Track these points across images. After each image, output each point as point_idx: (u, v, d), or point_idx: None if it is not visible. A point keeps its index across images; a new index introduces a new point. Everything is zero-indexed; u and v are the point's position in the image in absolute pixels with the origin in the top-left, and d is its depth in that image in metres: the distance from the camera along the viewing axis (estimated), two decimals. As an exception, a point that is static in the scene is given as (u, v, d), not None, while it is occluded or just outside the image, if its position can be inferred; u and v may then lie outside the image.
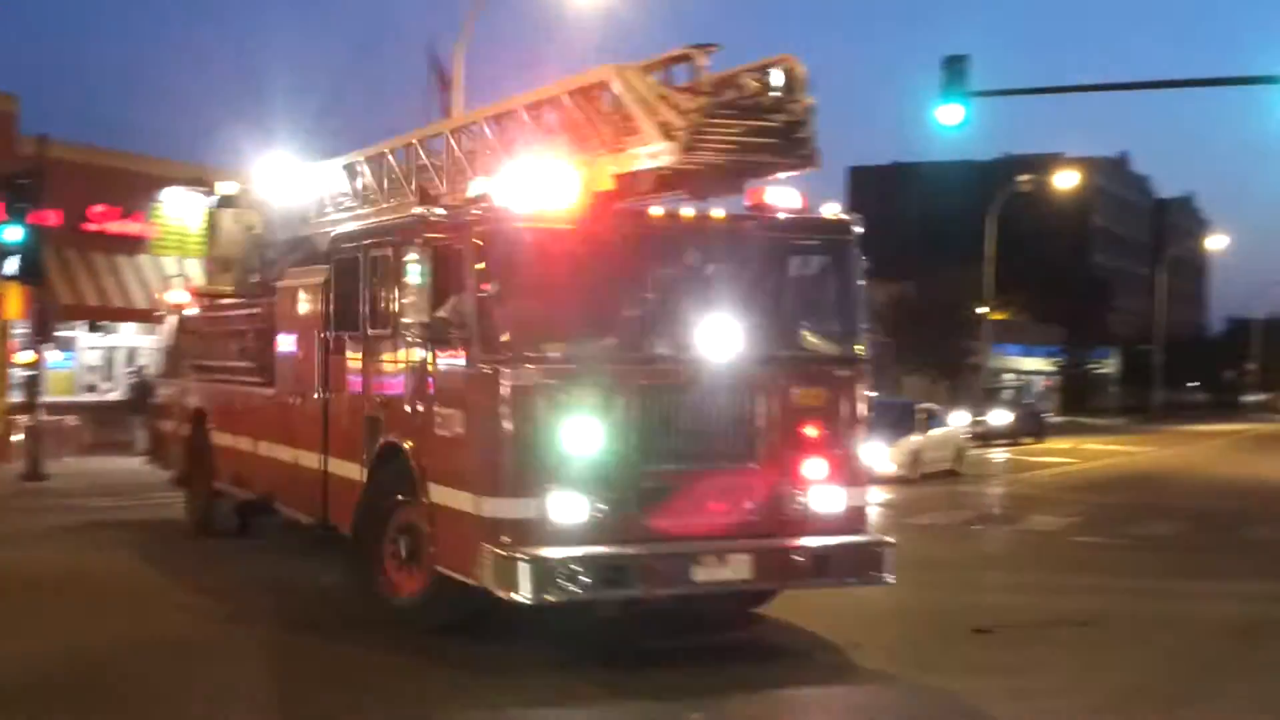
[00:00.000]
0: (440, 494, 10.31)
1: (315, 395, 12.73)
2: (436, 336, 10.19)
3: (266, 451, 14.12)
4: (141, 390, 24.58)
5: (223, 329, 16.09)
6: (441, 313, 10.08)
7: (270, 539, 15.61)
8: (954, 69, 22.75)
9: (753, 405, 10.17)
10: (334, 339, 12.31)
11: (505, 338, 9.69)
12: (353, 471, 11.88)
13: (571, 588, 9.42)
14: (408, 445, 10.74)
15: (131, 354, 30.70)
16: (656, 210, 10.49)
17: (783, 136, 9.95)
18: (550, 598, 9.48)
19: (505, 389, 9.66)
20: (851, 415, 10.54)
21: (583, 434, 9.69)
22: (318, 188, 16.01)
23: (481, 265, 9.82)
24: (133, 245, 29.87)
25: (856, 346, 10.71)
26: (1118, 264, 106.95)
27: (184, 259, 29.08)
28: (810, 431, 10.30)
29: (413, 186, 13.41)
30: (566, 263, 9.94)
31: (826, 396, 10.42)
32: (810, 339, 10.63)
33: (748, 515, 10.12)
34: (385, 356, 11.24)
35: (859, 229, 10.70)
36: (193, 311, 17.60)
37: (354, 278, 11.78)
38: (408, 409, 10.74)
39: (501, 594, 9.57)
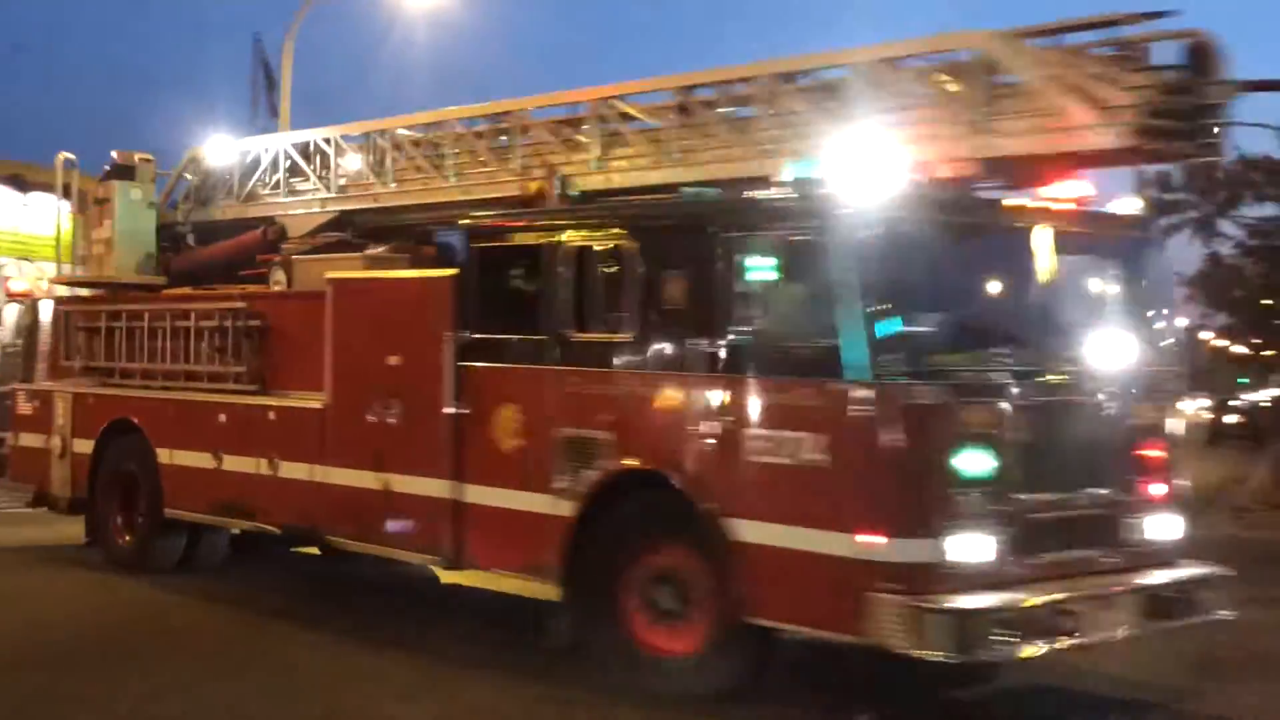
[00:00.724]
0: (761, 532, 8.68)
1: (441, 410, 10.63)
2: (776, 346, 8.58)
3: (308, 475, 11.78)
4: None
5: (165, 325, 13.46)
6: (768, 316, 8.46)
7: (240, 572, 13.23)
8: None
9: (1120, 424, 9.12)
10: (486, 344, 10.35)
11: (891, 349, 8.24)
12: (528, 503, 9.99)
13: (999, 641, 8.10)
14: (680, 474, 9.04)
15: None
16: (1017, 201, 9.18)
17: (1189, 120, 8.88)
18: (974, 655, 8.13)
19: (902, 410, 8.21)
20: (1179, 432, 9.68)
21: (979, 460, 8.36)
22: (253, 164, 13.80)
23: (859, 262, 8.30)
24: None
25: (1172, 355, 9.85)
26: None
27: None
28: (1155, 452, 9.36)
29: (516, 165, 11.61)
30: (939, 260, 8.58)
31: (1164, 412, 9.51)
32: (1137, 347, 9.64)
33: (1119, 549, 9.07)
34: (628, 366, 9.43)
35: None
36: (75, 303, 14.81)
37: (546, 271, 9.89)
38: (691, 431, 9.00)
39: (904, 650, 8.12)
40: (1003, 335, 8.92)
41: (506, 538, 10.25)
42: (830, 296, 8.33)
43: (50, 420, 14.59)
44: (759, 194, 8.87)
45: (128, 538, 13.85)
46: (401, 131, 12.92)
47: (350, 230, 13.26)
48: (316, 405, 11.74)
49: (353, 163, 13.26)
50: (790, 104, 9.84)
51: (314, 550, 13.26)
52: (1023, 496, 8.53)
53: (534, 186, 11.08)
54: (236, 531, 13.48)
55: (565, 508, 9.73)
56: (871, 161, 8.51)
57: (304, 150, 13.84)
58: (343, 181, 13.35)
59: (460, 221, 10.76)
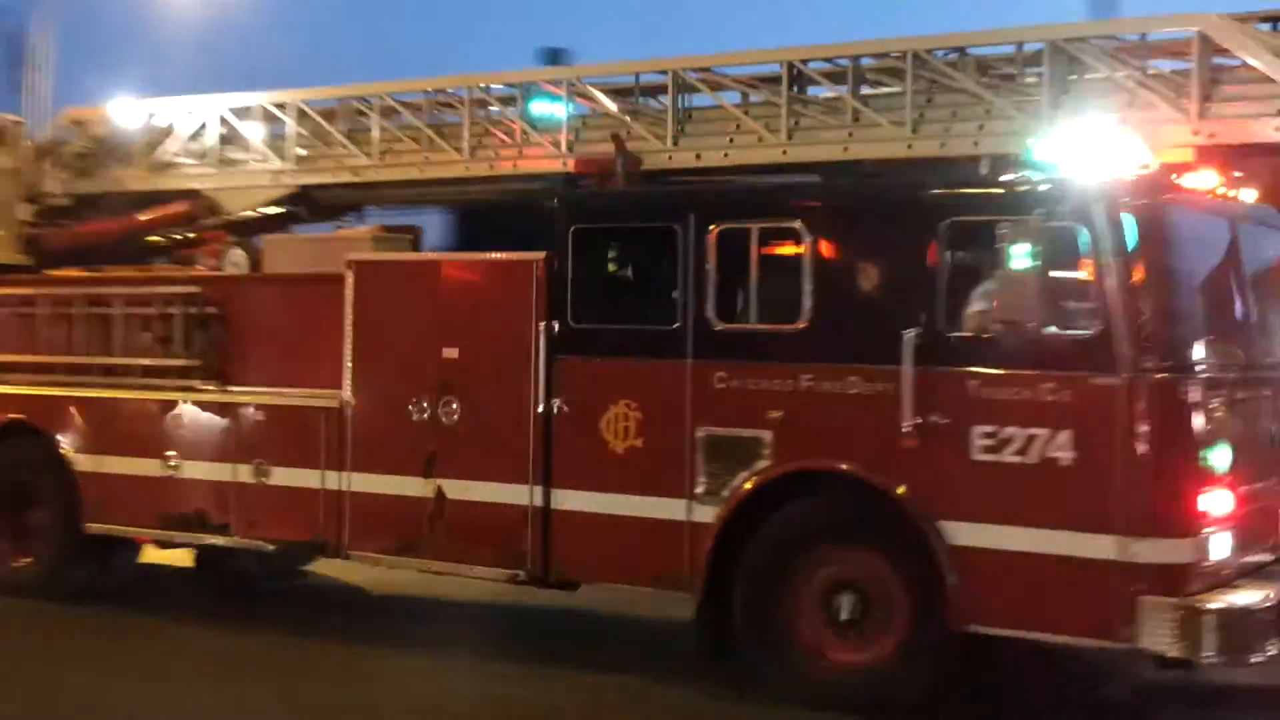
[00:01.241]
0: (988, 535, 8.11)
1: (526, 408, 9.55)
2: (1017, 338, 8.03)
3: (318, 483, 10.38)
4: None
5: (78, 312, 11.64)
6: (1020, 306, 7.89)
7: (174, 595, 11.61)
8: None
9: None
10: (589, 335, 9.36)
11: (1158, 342, 7.87)
12: (651, 509, 9.11)
13: (1263, 643, 7.87)
14: (882, 475, 8.37)
15: None
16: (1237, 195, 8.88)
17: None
18: (1244, 657, 7.87)
19: (1176, 404, 7.86)
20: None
21: (1224, 455, 8.10)
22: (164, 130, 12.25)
23: (1134, 253, 7.88)
24: None
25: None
26: None
27: None
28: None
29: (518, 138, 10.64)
30: (1193, 251, 8.25)
31: None
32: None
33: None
34: (802, 359, 8.66)
35: None
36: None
37: (683, 256, 8.99)
38: (900, 430, 8.31)
39: (1175, 654, 7.78)
40: (1237, 327, 8.69)
41: (618, 547, 9.30)
42: (1097, 287, 7.88)
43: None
44: (1007, 179, 8.26)
45: (24, 560, 11.88)
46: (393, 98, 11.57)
47: (306, 207, 11.85)
48: (329, 403, 10.37)
49: (318, 132, 11.80)
50: (955, 82, 9.26)
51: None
52: (1245, 490, 8.34)
53: (593, 163, 10.07)
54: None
55: (707, 513, 8.90)
56: (1103, 147, 8.13)
57: (244, 117, 12.24)
58: (303, 152, 11.86)
59: (556, 196, 9.68)
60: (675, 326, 9.05)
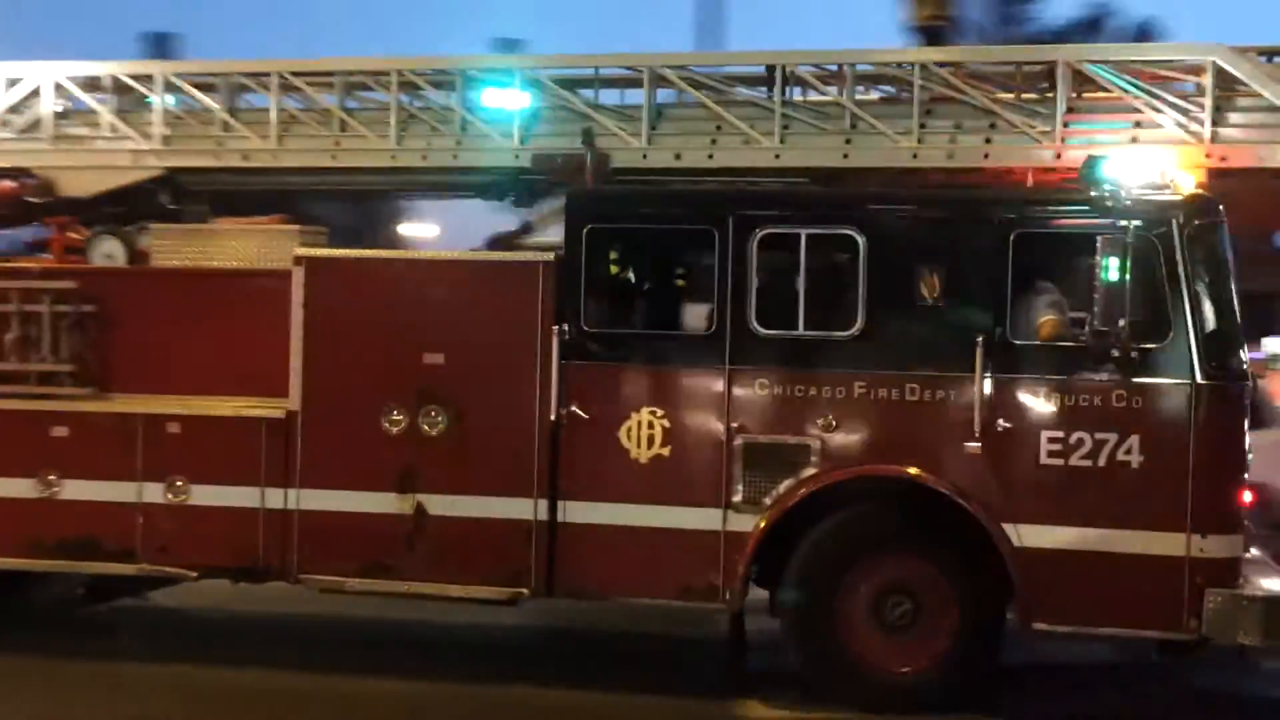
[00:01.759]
0: (1052, 536, 8.44)
1: (533, 417, 9.02)
2: (1082, 346, 8.39)
3: (257, 502, 9.39)
4: None
5: None
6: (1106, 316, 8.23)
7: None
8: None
9: None
10: (604, 339, 8.97)
11: (1218, 349, 8.44)
12: (680, 519, 8.87)
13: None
14: (945, 480, 8.52)
15: None
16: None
17: None
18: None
19: (1236, 408, 8.47)
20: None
21: (1249, 455, 8.81)
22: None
23: (1198, 263, 8.39)
24: None
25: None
26: None
27: None
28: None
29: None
30: (1229, 261, 8.81)
31: None
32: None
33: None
34: (853, 366, 8.65)
35: None
36: None
37: (720, 260, 8.77)
38: (961, 436, 8.47)
39: (1239, 642, 8.39)
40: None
41: (639, 560, 8.96)
42: (1161, 296, 8.34)
43: None
44: (1081, 194, 8.55)
45: None
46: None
47: (169, 194, 10.64)
48: (272, 413, 9.39)
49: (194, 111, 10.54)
50: (963, 95, 9.44)
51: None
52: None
53: (565, 161, 9.63)
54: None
55: (746, 522, 8.76)
56: (1147, 163, 8.65)
57: (92, 87, 10.76)
58: (167, 132, 10.56)
59: (570, 194, 9.16)
60: (710, 332, 8.83)
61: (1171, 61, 9.40)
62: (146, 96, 10.58)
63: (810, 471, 8.69)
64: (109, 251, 10.06)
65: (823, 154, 9.58)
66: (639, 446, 8.90)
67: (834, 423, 8.67)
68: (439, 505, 9.16)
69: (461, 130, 10.11)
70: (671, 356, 8.94)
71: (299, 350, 9.34)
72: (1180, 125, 9.07)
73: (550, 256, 9.03)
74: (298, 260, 9.38)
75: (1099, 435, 8.40)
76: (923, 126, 9.43)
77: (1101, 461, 8.40)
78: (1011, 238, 8.49)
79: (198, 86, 10.59)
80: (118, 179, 10.59)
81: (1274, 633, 8.36)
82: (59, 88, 10.66)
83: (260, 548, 9.41)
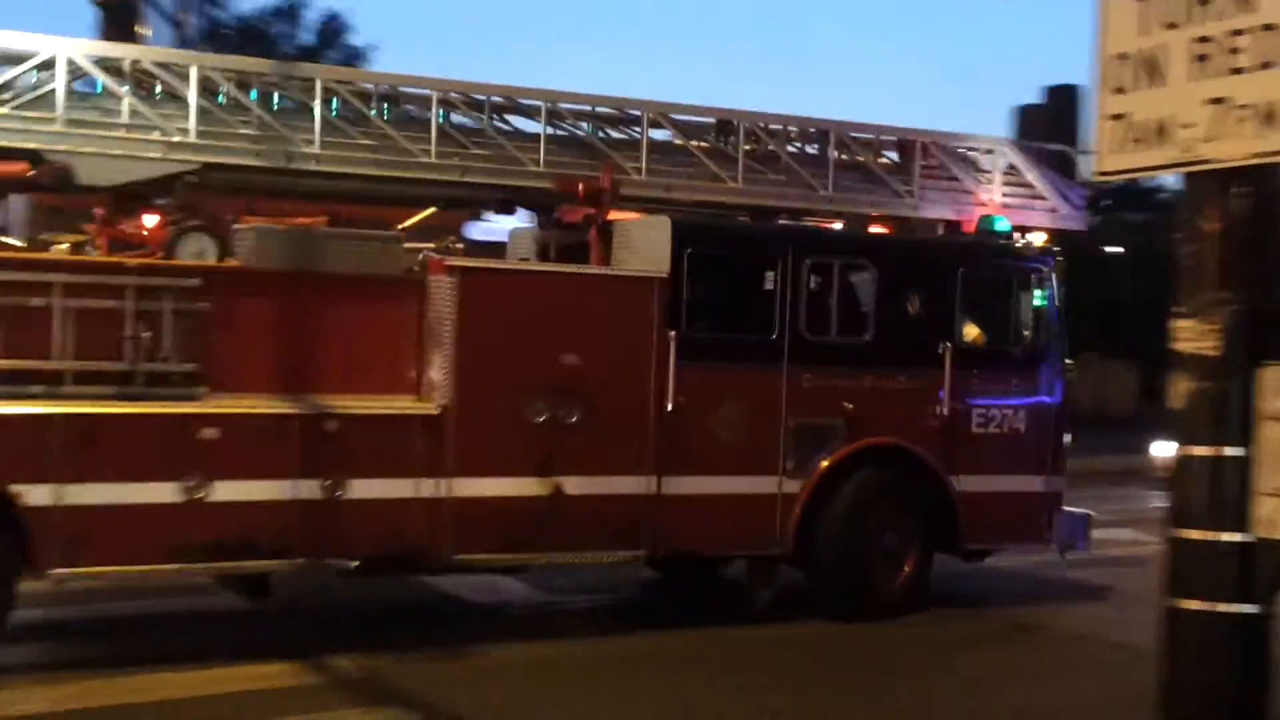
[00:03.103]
0: (980, 483, 12.05)
1: (650, 408, 10.81)
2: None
3: (412, 492, 10.09)
4: None
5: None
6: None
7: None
8: None
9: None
10: (703, 344, 11.00)
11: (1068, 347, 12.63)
12: (753, 487, 11.27)
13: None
14: (920, 446, 11.79)
15: None
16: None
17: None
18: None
19: (1072, 385, 12.68)
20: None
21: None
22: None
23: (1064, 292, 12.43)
24: None
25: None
26: None
27: None
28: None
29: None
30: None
31: None
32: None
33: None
34: (875, 365, 11.58)
35: None
36: None
37: (784, 282, 11.24)
38: (929, 413, 11.80)
39: (1063, 547, 12.56)
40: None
41: (722, 521, 11.13)
42: (1043, 312, 12.32)
43: None
44: (1003, 242, 12.17)
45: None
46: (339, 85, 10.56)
47: (182, 193, 10.51)
48: (428, 410, 10.16)
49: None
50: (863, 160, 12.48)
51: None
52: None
53: (588, 185, 11.32)
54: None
55: (794, 485, 11.39)
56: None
57: (112, 71, 9.95)
58: (200, 128, 10.22)
59: (675, 223, 10.92)
60: (774, 338, 11.28)
61: (974, 146, 13.34)
62: (155, 89, 10.34)
63: (835, 444, 11.49)
64: (200, 249, 9.89)
65: (772, 196, 12.25)
66: (724, 430, 11.09)
67: (850, 407, 11.55)
68: (573, 485, 10.56)
69: (491, 149, 11.30)
70: (748, 357, 11.20)
71: (451, 351, 10.17)
72: (987, 193, 13.10)
73: (665, 273, 10.85)
74: (450, 269, 10.20)
75: (1004, 410, 12.21)
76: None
77: (1006, 428, 12.23)
78: (960, 272, 11.99)
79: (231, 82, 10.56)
80: (146, 171, 10.23)
81: (1084, 539, 12.69)
82: (75, 66, 10.01)
83: (415, 534, 10.10)
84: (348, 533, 9.92)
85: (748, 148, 12.19)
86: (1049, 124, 36.75)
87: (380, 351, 10.19)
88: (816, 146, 12.76)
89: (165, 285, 9.54)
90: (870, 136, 12.98)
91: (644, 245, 11.06)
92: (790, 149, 12.63)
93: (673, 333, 10.81)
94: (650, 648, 10.73)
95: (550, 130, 11.51)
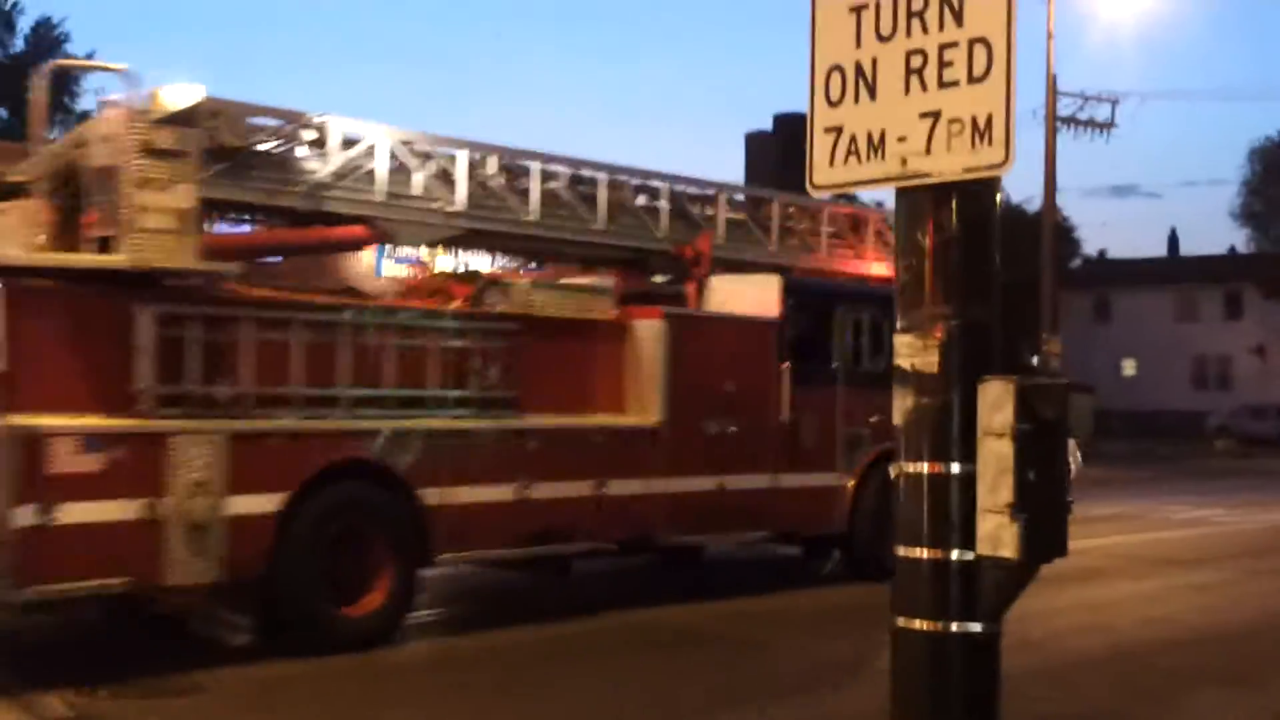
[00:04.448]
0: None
1: (772, 422, 14.19)
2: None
3: (642, 489, 13.04)
4: None
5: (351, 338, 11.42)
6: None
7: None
8: None
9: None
10: (797, 371, 14.43)
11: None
12: (824, 480, 14.85)
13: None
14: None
15: None
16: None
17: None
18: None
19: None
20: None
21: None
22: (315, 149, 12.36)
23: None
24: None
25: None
26: None
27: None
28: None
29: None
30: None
31: None
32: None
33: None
34: (863, 388, 15.23)
35: None
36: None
37: (838, 324, 14.88)
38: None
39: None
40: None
41: (808, 506, 14.63)
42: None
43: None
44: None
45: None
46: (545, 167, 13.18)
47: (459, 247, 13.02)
48: (650, 423, 13.12)
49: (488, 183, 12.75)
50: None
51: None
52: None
53: (695, 249, 14.64)
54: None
55: (847, 480, 15.08)
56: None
57: (412, 154, 12.20)
58: (465, 199, 12.68)
59: (783, 281, 14.29)
60: (836, 367, 14.91)
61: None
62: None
63: (867, 448, 15.23)
64: (492, 299, 12.40)
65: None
66: (809, 437, 14.61)
67: (874, 420, 15.32)
68: (731, 483, 13.77)
69: (632, 219, 14.37)
70: (822, 381, 14.73)
71: (666, 378, 13.16)
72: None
73: (779, 316, 14.24)
74: (663, 315, 13.21)
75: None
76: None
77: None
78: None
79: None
80: (430, 234, 12.64)
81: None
82: (392, 152, 12.30)
83: (649, 521, 13.04)
84: (610, 522, 12.72)
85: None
86: (781, 152, 43.45)
87: (598, 378, 12.99)
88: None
89: (496, 329, 12.05)
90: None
91: (750, 297, 14.40)
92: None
93: (785, 364, 14.22)
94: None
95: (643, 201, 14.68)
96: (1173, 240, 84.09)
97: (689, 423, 13.40)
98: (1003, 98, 5.21)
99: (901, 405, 5.57)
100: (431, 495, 11.39)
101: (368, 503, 11.16)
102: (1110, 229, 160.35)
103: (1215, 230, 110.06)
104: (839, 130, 5.69)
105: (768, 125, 46.61)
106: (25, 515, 9.28)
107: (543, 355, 12.45)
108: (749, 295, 14.44)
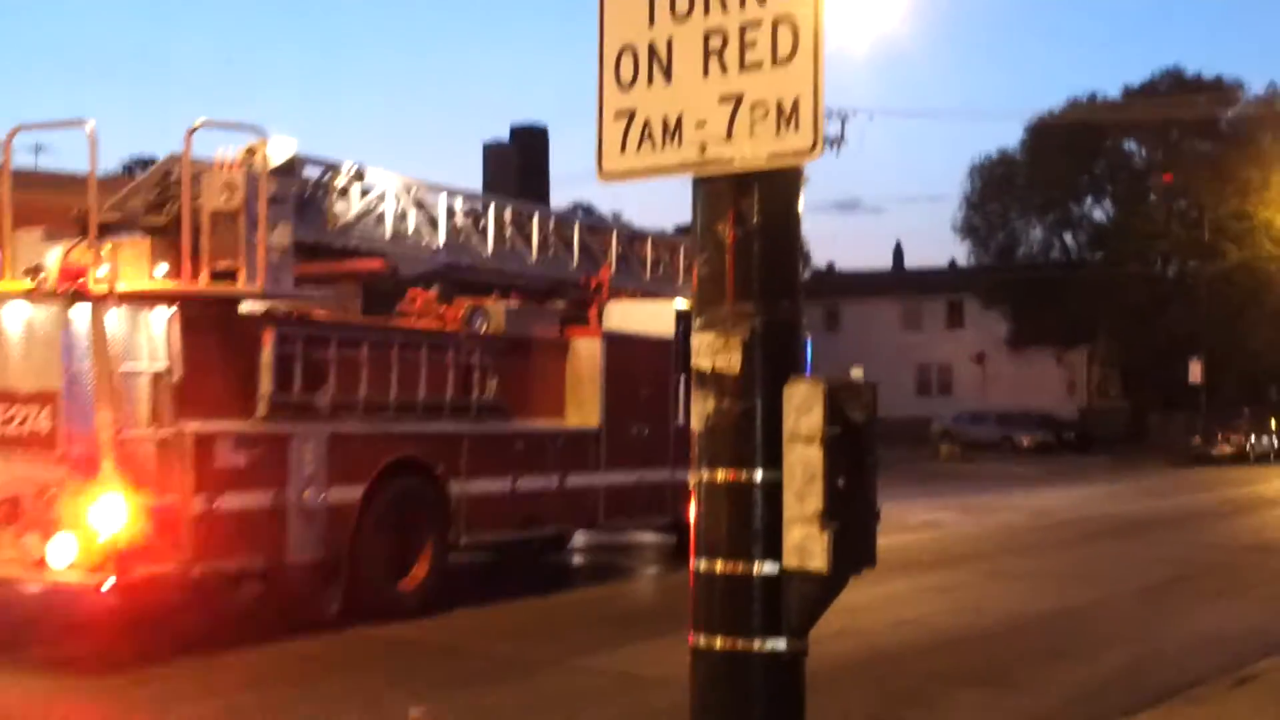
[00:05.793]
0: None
1: (670, 424, 16.88)
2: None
3: (588, 482, 15.55)
4: None
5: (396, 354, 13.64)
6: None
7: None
8: None
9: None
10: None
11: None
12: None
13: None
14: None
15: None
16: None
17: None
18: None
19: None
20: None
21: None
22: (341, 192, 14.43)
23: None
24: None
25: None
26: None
27: None
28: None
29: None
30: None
31: None
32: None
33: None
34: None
35: None
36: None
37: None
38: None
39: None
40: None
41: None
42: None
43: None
44: None
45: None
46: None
47: (440, 283, 15.11)
48: (593, 427, 15.60)
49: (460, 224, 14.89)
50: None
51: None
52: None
53: (598, 279, 17.21)
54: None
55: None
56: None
57: (416, 199, 14.29)
58: (445, 238, 14.80)
59: (678, 301, 16.94)
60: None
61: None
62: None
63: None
64: (481, 322, 14.64)
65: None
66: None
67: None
68: (647, 476, 16.37)
69: (560, 253, 16.81)
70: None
71: (603, 387, 15.66)
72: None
73: (672, 336, 16.90)
74: (601, 335, 15.72)
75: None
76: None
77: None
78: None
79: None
80: (417, 266, 14.76)
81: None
82: (399, 196, 14.39)
83: (593, 509, 15.56)
84: (569, 509, 15.15)
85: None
86: (521, 163, 45.89)
87: (550, 388, 15.41)
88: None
89: (492, 347, 14.31)
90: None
91: (648, 319, 17.00)
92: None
93: (680, 375, 16.90)
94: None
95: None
96: (898, 253, 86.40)
97: (619, 426, 15.92)
98: (810, 81, 4.81)
99: (701, 409, 5.00)
100: (456, 487, 13.56)
101: (415, 493, 13.23)
102: (839, 242, 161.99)
103: (938, 244, 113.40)
104: (631, 115, 5.16)
105: (500, 135, 47.75)
106: (200, 504, 11.05)
107: (517, 369, 14.76)
108: (644, 318, 17.03)
